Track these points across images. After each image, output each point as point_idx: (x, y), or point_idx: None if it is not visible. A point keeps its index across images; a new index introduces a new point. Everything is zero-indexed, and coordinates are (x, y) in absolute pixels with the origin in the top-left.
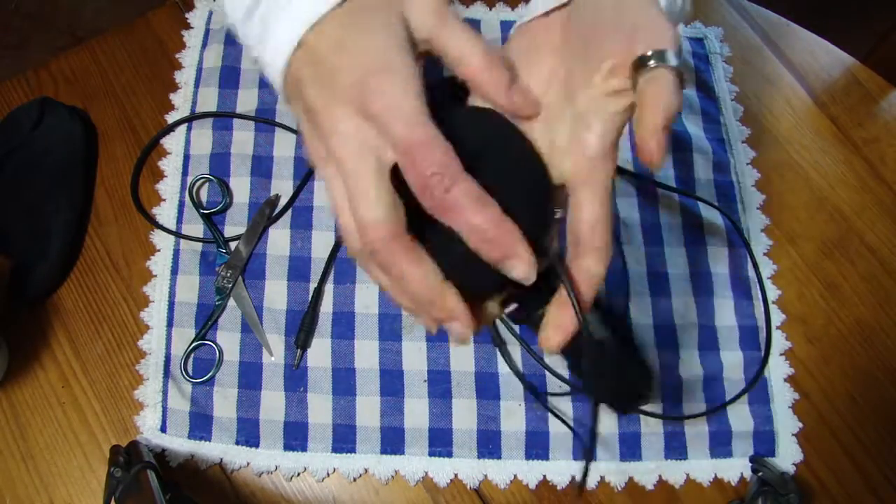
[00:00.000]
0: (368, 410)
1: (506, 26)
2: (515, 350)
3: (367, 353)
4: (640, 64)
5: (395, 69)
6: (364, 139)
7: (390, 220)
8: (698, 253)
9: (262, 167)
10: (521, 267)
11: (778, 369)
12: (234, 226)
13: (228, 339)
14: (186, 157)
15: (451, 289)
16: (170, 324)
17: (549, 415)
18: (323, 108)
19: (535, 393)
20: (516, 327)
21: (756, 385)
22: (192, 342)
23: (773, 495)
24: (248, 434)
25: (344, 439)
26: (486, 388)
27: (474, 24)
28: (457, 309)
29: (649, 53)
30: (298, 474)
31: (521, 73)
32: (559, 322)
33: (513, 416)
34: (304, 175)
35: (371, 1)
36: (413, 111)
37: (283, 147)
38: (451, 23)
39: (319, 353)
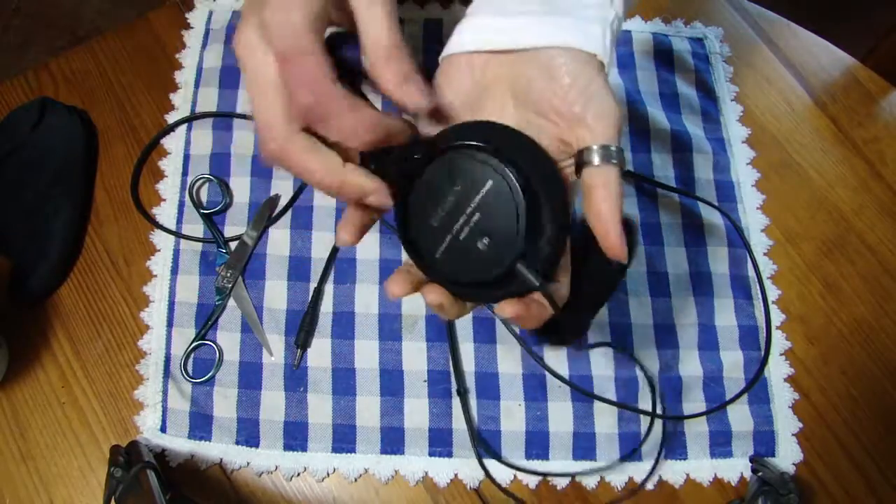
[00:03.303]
0: (368, 410)
1: None
2: (515, 350)
3: (367, 353)
4: (584, 155)
5: None
6: (264, 50)
7: (283, 123)
8: (698, 253)
9: (262, 167)
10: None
11: (778, 369)
12: (234, 226)
13: (228, 339)
14: (186, 157)
15: (356, 169)
16: (170, 324)
17: (549, 415)
18: (242, 16)
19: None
20: (516, 328)
21: (756, 385)
22: (192, 342)
23: (773, 495)
24: (248, 434)
25: (344, 439)
26: (486, 388)
27: None
28: (366, 184)
29: (594, 147)
30: (298, 474)
31: (482, 105)
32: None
33: (513, 416)
34: None
35: None
36: (298, 27)
37: None
38: (375, 8)
39: (319, 352)
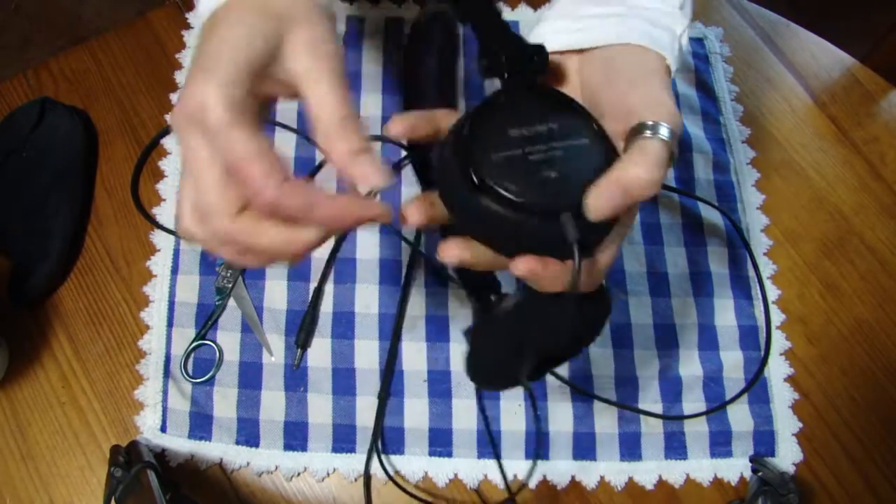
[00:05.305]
0: (368, 410)
1: None
2: None
3: (367, 353)
4: (636, 130)
5: (217, 75)
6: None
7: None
8: (698, 253)
9: None
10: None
11: (778, 369)
12: None
13: (228, 339)
14: None
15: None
16: (170, 324)
17: (549, 415)
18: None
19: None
20: None
21: (756, 385)
22: (192, 342)
23: (773, 495)
24: (248, 434)
25: (344, 439)
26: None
27: None
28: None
29: (648, 123)
30: (298, 474)
31: None
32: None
33: (513, 416)
34: (305, 175)
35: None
36: (221, 118)
37: (283, 147)
38: (319, 79)
39: (319, 352)
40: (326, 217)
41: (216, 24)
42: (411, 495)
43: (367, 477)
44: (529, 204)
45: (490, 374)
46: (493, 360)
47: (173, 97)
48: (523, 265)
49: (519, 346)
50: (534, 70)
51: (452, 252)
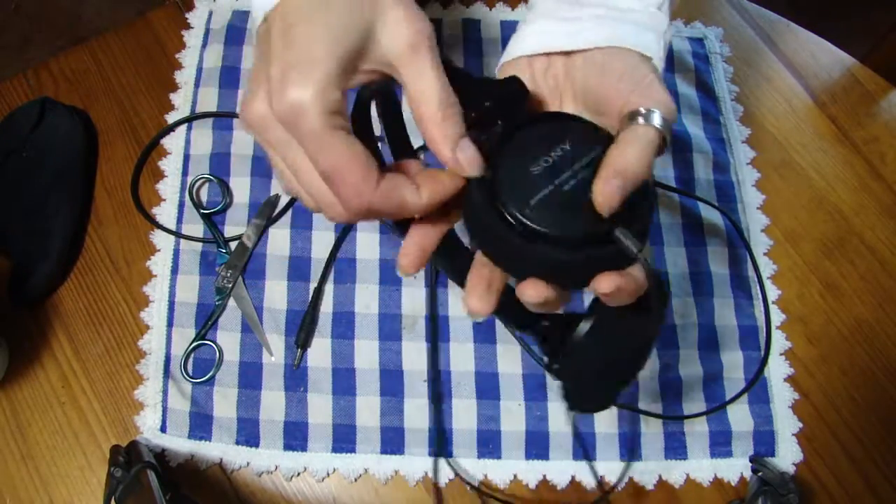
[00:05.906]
0: (368, 410)
1: (506, 26)
2: (515, 350)
3: (367, 353)
4: (630, 117)
5: (314, 76)
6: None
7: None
8: (698, 253)
9: (262, 167)
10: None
11: (778, 369)
12: (234, 226)
13: (228, 339)
14: (186, 157)
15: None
16: (170, 324)
17: (549, 415)
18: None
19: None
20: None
21: (756, 385)
22: (192, 342)
23: (773, 495)
24: (248, 434)
25: (344, 439)
26: (486, 388)
27: (474, 24)
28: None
29: (641, 110)
30: (298, 474)
31: (542, 106)
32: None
33: (513, 416)
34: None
35: None
36: (320, 128)
37: None
38: (421, 59)
39: (319, 352)
40: (418, 210)
41: (299, 9)
42: (483, 493)
43: (437, 486)
44: (587, 237)
45: (593, 398)
46: (593, 384)
47: (173, 97)
48: (608, 283)
49: (612, 362)
50: (518, 100)
51: (531, 292)
